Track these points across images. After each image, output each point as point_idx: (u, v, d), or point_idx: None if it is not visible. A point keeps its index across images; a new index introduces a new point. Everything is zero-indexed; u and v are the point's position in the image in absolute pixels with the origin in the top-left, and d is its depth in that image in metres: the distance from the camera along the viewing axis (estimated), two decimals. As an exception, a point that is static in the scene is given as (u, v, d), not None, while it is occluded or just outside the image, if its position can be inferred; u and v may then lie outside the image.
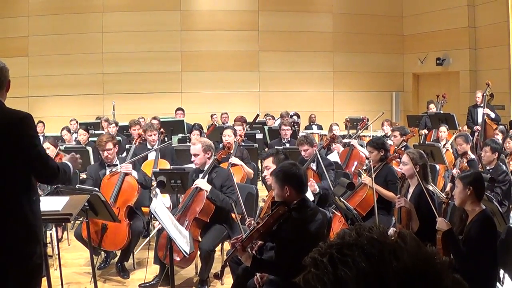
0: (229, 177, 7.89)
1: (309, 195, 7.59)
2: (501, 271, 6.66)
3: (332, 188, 8.58)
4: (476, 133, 15.24)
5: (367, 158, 10.93)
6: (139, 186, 8.66)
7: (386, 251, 1.45)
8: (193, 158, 8.22)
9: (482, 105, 15.53)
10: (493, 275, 6.04)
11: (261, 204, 9.65)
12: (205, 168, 8.14)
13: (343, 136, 13.97)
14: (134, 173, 8.71)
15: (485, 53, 19.70)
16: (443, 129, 13.32)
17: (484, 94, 15.44)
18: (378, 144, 8.86)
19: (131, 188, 8.56)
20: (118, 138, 11.61)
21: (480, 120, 15.50)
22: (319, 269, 1.48)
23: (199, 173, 8.16)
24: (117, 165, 8.79)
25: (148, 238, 9.24)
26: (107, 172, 8.80)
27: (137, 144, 9.81)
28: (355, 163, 11.52)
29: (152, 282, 7.99)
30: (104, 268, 8.73)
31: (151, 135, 11.13)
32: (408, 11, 23.09)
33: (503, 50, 18.60)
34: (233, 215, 7.98)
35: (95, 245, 7.85)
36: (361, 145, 12.05)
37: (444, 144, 12.60)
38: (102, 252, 8.77)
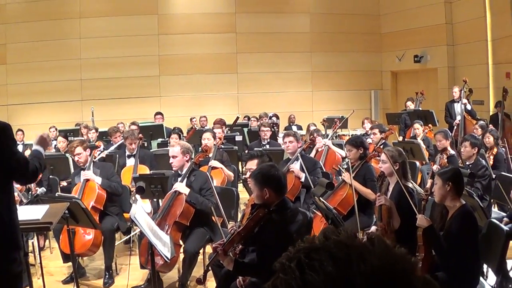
0: (207, 180, 7.88)
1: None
2: (485, 266, 6.70)
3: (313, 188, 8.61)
4: (455, 128, 15.31)
5: (343, 159, 11.00)
6: (105, 191, 8.74)
7: (353, 254, 1.45)
8: (171, 160, 8.21)
9: (459, 100, 15.60)
10: (476, 269, 6.08)
11: (242, 207, 9.65)
12: (183, 172, 8.14)
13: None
14: (98, 179, 8.77)
15: (463, 49, 19.76)
16: (417, 125, 13.49)
17: (462, 91, 15.50)
18: (356, 142, 8.89)
19: (92, 191, 8.67)
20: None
21: (458, 115, 15.58)
22: (287, 274, 1.47)
23: (177, 177, 8.16)
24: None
25: (128, 237, 9.23)
26: (81, 176, 8.86)
27: (96, 158, 9.66)
28: (332, 163, 11.52)
29: (142, 287, 8.01)
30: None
31: (131, 144, 11.09)
32: (385, 9, 23.15)
33: (480, 46, 18.66)
34: (213, 218, 7.97)
35: (67, 251, 7.79)
36: (339, 144, 12.13)
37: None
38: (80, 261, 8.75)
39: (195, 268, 7.86)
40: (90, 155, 9.07)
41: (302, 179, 9.17)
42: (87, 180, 8.73)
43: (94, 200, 8.53)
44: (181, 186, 7.87)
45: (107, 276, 8.43)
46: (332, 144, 11.82)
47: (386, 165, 7.30)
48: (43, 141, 5.67)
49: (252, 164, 7.89)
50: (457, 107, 15.76)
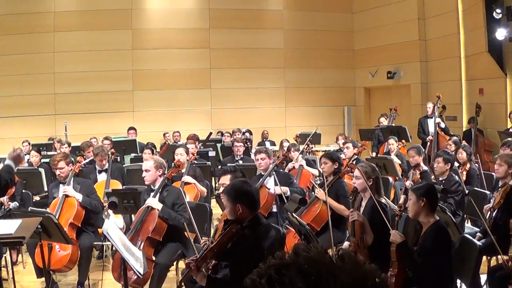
0: (180, 195, 7.85)
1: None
2: (458, 281, 6.72)
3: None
4: (428, 144, 15.38)
5: (316, 177, 11.03)
6: (84, 208, 8.60)
7: (323, 271, 1.44)
8: (144, 174, 8.18)
9: (433, 115, 15.69)
10: (450, 285, 6.09)
11: (215, 222, 9.62)
12: (156, 187, 8.10)
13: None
14: (78, 196, 8.60)
15: (436, 65, 19.88)
16: (392, 141, 13.55)
17: (436, 106, 15.59)
18: (333, 156, 8.97)
19: (71, 207, 8.51)
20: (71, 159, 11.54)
21: (431, 131, 15.66)
22: (258, 290, 1.46)
23: (150, 192, 8.12)
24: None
25: (100, 244, 9.18)
26: (60, 190, 8.73)
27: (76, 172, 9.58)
28: (306, 181, 11.50)
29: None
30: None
31: (102, 160, 11.01)
32: (359, 26, 23.26)
33: (454, 62, 18.79)
34: (186, 234, 7.93)
35: (42, 266, 7.73)
36: (313, 160, 12.15)
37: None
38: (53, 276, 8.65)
39: (168, 284, 7.82)
40: (71, 170, 8.98)
41: (288, 193, 9.18)
42: (67, 196, 8.63)
43: (73, 216, 8.39)
44: (153, 202, 7.83)
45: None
46: (305, 163, 11.82)
47: (360, 181, 7.31)
48: (17, 158, 5.80)
49: (225, 180, 7.87)
50: (431, 123, 15.83)
